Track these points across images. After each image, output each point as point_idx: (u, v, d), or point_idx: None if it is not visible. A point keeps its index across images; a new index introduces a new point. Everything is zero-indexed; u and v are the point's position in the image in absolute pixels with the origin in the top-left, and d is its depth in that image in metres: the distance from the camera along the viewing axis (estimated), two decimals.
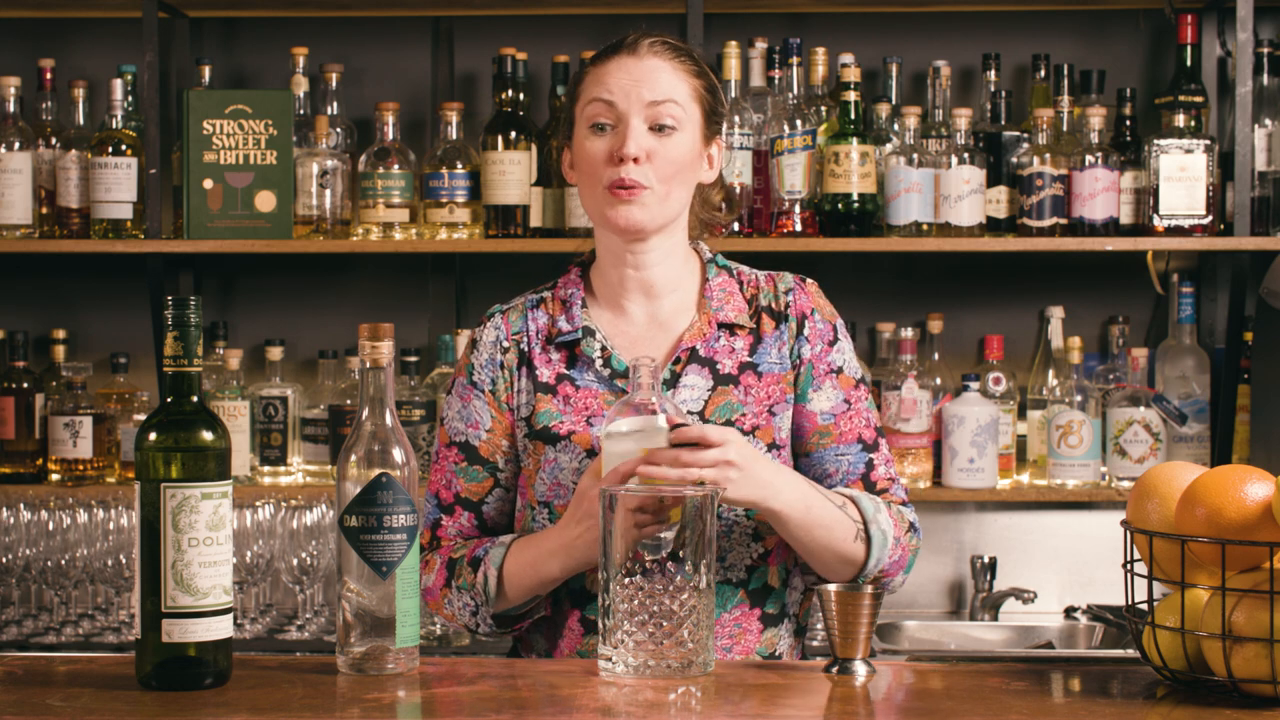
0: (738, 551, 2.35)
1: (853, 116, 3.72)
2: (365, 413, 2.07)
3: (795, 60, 3.80)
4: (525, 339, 2.40)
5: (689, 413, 2.34)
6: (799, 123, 3.71)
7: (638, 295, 2.40)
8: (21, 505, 3.68)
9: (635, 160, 2.29)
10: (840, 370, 2.40)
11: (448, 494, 2.41)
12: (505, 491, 2.42)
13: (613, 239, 2.38)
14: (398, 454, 2.06)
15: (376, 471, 2.04)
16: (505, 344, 2.40)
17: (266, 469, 3.87)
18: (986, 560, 3.90)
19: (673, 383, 2.36)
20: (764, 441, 2.35)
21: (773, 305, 2.41)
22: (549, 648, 2.40)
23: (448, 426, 2.43)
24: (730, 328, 2.39)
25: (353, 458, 2.06)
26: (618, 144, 2.30)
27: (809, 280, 2.46)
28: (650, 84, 2.31)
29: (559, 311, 2.41)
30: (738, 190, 3.68)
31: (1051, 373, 3.94)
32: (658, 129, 2.31)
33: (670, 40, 2.37)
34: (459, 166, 3.77)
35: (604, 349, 2.37)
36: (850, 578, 2.33)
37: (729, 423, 2.34)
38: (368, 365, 2.08)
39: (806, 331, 2.40)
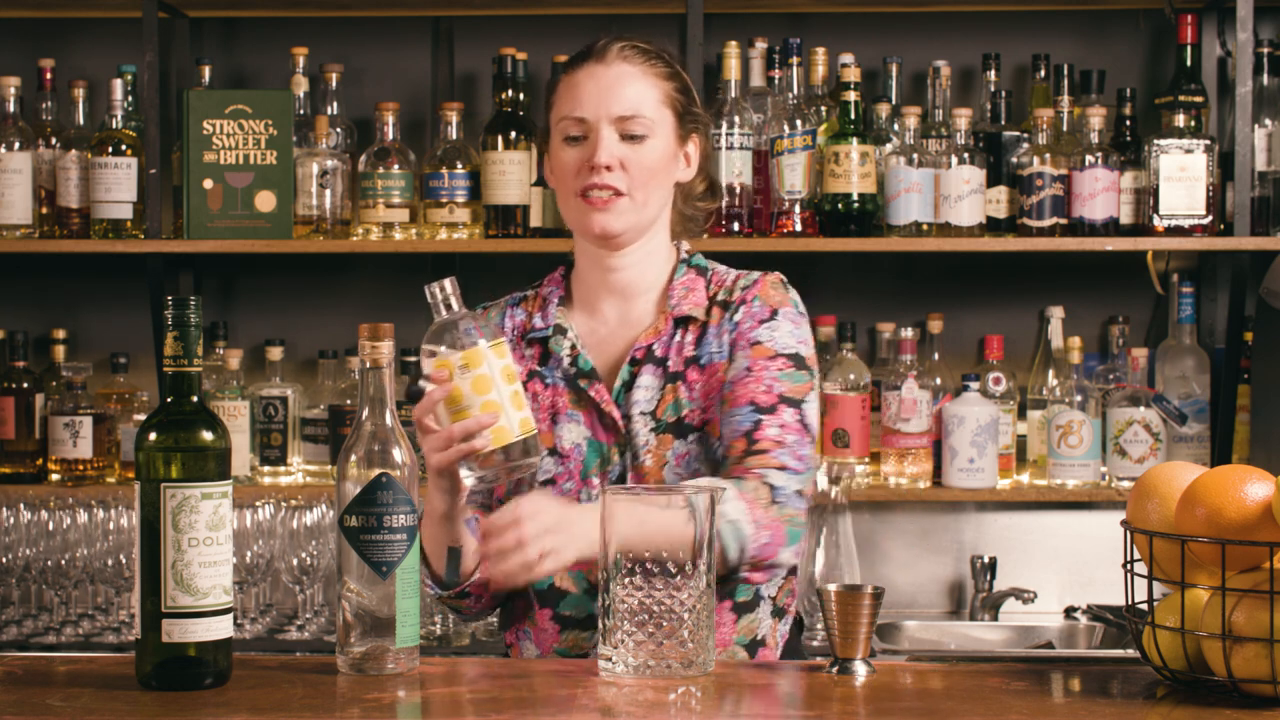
0: None
1: (853, 116, 3.72)
2: (365, 413, 2.07)
3: (795, 60, 3.80)
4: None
5: (641, 414, 2.36)
6: (799, 123, 3.71)
7: (613, 297, 2.43)
8: (21, 505, 3.68)
9: (608, 168, 2.33)
10: (758, 343, 2.37)
11: None
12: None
13: (591, 245, 2.41)
14: (398, 454, 2.06)
15: (376, 471, 2.05)
16: None
17: (266, 469, 3.87)
18: (986, 560, 3.90)
19: (630, 384, 2.38)
20: (713, 435, 2.36)
21: (728, 300, 2.41)
22: (540, 652, 2.42)
23: None
24: (685, 321, 2.40)
25: (353, 458, 2.06)
26: (589, 153, 2.35)
27: (774, 274, 2.45)
28: (618, 95, 2.35)
29: (537, 309, 2.46)
30: (737, 190, 3.68)
31: (1051, 373, 3.94)
32: (629, 138, 2.35)
33: (640, 44, 2.39)
34: (459, 166, 3.77)
35: (573, 348, 2.41)
36: (724, 573, 2.26)
37: (679, 420, 2.35)
38: (368, 365, 2.08)
39: (739, 315, 2.39)
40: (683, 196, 2.47)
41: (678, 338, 2.39)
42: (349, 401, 3.82)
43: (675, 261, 2.46)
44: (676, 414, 2.36)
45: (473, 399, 2.14)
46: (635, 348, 2.39)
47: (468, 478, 2.19)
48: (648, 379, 2.38)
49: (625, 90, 2.35)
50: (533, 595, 2.39)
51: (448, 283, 2.19)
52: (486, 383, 2.14)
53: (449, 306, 2.19)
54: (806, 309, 2.47)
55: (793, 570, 2.46)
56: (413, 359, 3.85)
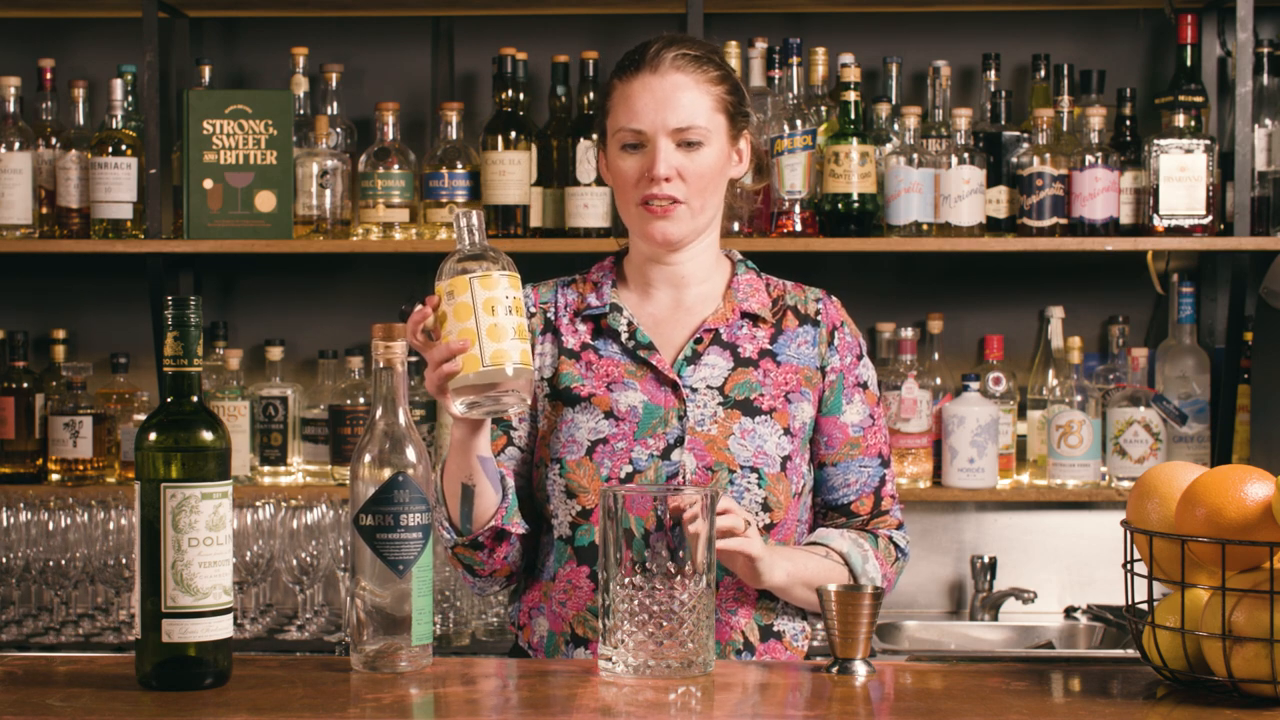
0: None
1: (853, 116, 3.72)
2: (379, 412, 2.08)
3: (795, 60, 3.80)
4: (553, 309, 2.51)
5: (709, 387, 2.44)
6: (799, 123, 3.71)
7: (666, 286, 2.51)
8: (21, 505, 3.68)
9: (666, 179, 2.41)
10: (866, 385, 2.53)
11: None
12: (518, 451, 2.49)
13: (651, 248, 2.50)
14: (411, 453, 2.06)
15: (390, 471, 2.05)
16: (532, 310, 2.51)
17: (266, 469, 3.87)
18: (986, 560, 3.90)
19: (694, 359, 2.46)
20: (780, 424, 2.44)
21: (799, 308, 2.53)
22: (551, 627, 2.44)
23: None
24: (753, 318, 2.50)
25: (366, 457, 2.06)
26: (648, 164, 2.42)
27: (834, 297, 2.58)
28: (674, 107, 2.41)
29: (589, 291, 2.52)
30: (738, 189, 3.68)
31: (1051, 373, 3.94)
32: (685, 145, 2.42)
33: (690, 50, 2.46)
34: (459, 166, 3.77)
35: (630, 324, 2.48)
36: None
37: (748, 400, 2.44)
38: (381, 365, 2.08)
39: (837, 343, 2.52)
40: (732, 191, 2.56)
41: (745, 330, 2.48)
42: (349, 401, 3.82)
43: (731, 263, 2.56)
44: (746, 394, 2.44)
45: (453, 325, 2.18)
46: (704, 328, 2.47)
47: (455, 404, 2.21)
48: (715, 358, 2.46)
49: (680, 102, 2.41)
50: (571, 554, 2.42)
51: (474, 214, 2.22)
52: (465, 310, 2.17)
53: (468, 237, 2.21)
54: None
55: None
56: (413, 359, 3.85)
